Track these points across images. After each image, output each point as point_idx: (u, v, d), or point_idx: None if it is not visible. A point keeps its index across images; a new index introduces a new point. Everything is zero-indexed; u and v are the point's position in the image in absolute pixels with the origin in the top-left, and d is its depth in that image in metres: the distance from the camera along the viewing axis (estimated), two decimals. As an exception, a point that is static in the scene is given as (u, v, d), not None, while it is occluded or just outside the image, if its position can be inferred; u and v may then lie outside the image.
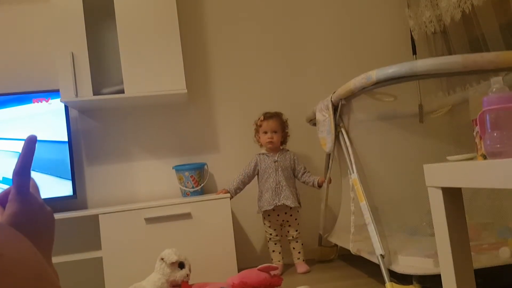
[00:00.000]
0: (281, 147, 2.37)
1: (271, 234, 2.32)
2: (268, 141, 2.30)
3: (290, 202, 2.23)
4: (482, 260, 1.49)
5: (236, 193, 2.33)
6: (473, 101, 1.71)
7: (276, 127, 2.32)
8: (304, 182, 2.34)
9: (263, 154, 2.35)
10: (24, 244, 0.37)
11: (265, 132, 2.32)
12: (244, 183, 2.35)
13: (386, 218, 1.79)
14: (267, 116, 2.33)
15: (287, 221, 2.31)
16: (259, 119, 2.35)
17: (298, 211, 2.33)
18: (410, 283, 1.52)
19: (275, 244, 2.32)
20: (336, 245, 2.41)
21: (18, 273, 0.33)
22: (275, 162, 2.30)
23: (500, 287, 1.55)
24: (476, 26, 2.05)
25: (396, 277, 1.56)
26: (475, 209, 1.64)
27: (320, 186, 2.30)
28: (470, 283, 1.13)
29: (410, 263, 1.56)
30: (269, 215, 2.31)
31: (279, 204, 2.24)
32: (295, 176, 2.35)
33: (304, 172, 2.34)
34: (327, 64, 2.71)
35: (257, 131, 2.37)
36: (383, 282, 1.55)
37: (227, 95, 2.65)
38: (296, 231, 2.31)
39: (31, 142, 0.49)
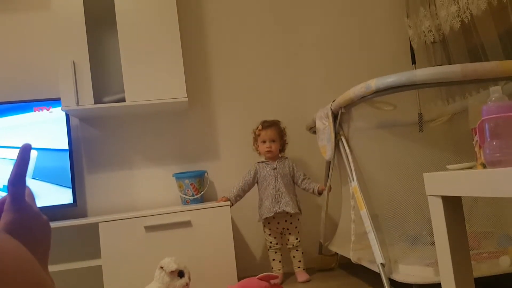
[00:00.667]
0: (280, 155, 2.37)
1: (271, 242, 2.31)
2: (267, 150, 2.31)
3: (290, 209, 2.23)
4: (482, 269, 1.49)
5: (236, 200, 2.33)
6: (472, 110, 1.71)
7: (274, 136, 2.32)
8: (304, 189, 2.34)
9: (262, 162, 2.35)
10: (20, 251, 0.37)
11: (264, 141, 2.32)
12: (244, 190, 2.35)
13: (386, 227, 1.78)
14: (265, 125, 2.34)
15: (287, 229, 2.31)
16: (257, 128, 2.36)
17: (298, 219, 2.32)
18: (411, 292, 1.51)
19: (275, 252, 2.32)
20: (336, 254, 2.40)
21: (15, 279, 0.33)
22: (274, 169, 2.30)
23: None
24: (475, 36, 2.06)
25: (396, 286, 1.56)
26: (475, 217, 1.64)
27: (320, 193, 2.30)
28: (471, 292, 1.13)
29: (411, 272, 1.55)
30: (269, 223, 2.31)
31: (279, 211, 2.24)
32: (294, 183, 2.35)
33: (304, 179, 2.33)
34: (327, 72, 2.72)
35: (255, 140, 2.38)
36: (384, 291, 1.54)
37: (228, 103, 2.66)
38: (297, 239, 2.30)
39: (25, 151, 0.49)
